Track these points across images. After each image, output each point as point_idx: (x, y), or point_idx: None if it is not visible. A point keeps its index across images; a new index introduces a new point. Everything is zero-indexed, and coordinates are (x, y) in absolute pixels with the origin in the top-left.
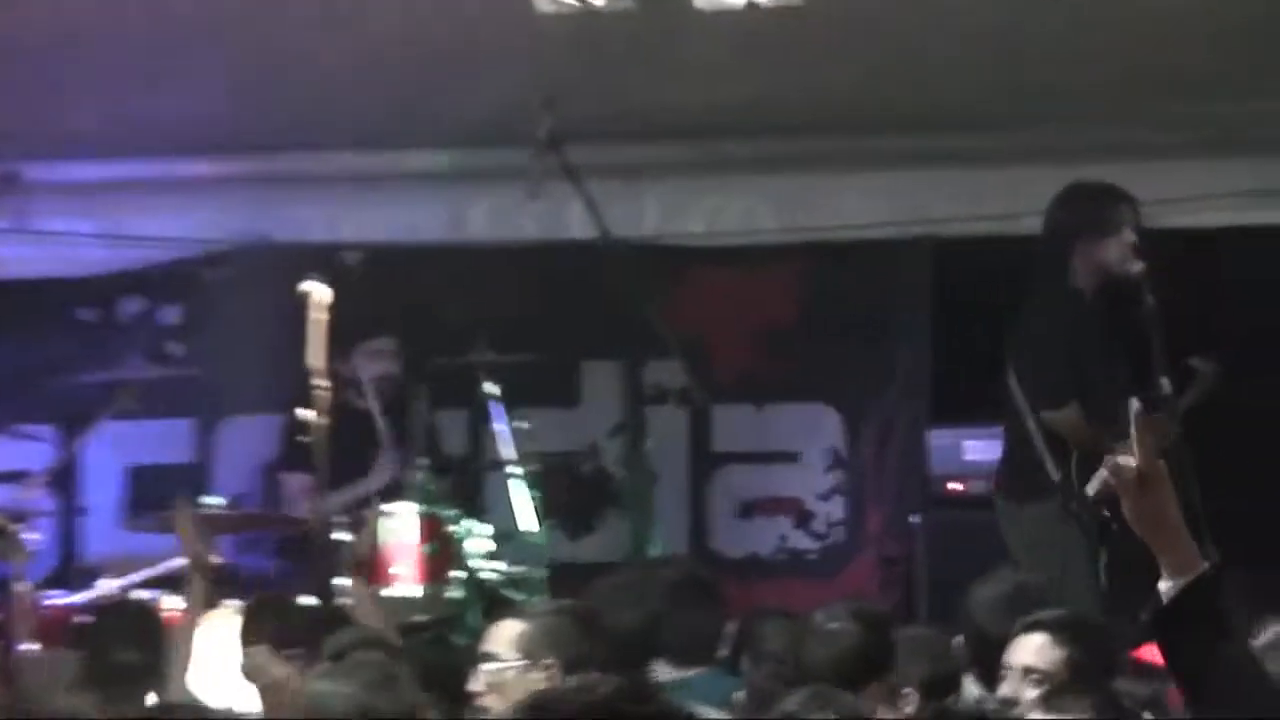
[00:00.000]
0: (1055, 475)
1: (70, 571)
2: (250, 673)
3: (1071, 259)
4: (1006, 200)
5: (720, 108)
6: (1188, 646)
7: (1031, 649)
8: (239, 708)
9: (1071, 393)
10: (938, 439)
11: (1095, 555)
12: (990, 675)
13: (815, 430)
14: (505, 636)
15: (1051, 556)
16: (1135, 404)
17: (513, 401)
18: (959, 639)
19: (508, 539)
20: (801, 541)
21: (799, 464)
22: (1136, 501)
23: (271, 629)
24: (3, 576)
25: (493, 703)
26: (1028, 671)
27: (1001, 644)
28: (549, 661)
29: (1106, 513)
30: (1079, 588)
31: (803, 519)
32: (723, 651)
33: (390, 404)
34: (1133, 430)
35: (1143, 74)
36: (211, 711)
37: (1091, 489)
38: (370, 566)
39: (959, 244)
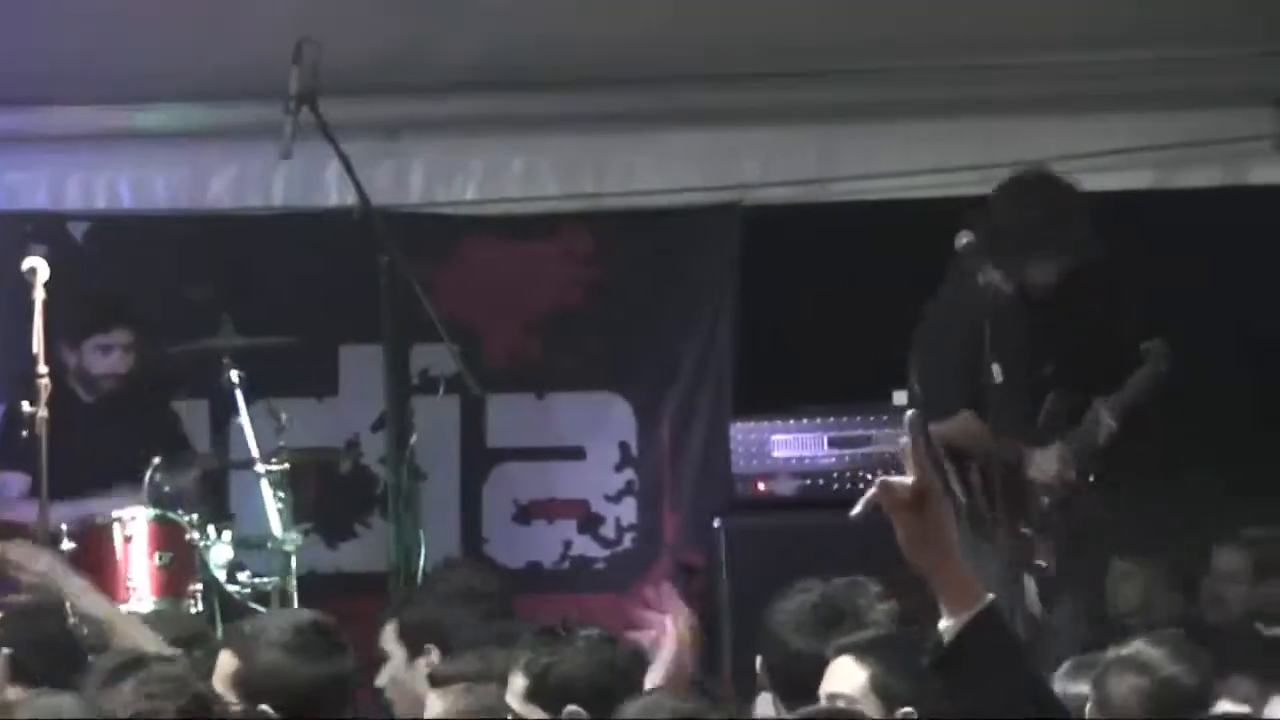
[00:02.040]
0: (960, 491)
1: None
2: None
3: (992, 264)
4: (824, 162)
5: (497, 56)
6: (972, 686)
7: (835, 675)
8: None
9: (966, 400)
10: (742, 433)
11: (1017, 576)
12: (792, 697)
13: (603, 423)
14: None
15: None
16: (911, 413)
17: (261, 391)
18: (761, 658)
19: (256, 547)
20: (589, 549)
21: (584, 461)
22: (910, 525)
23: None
24: None
25: None
26: (832, 699)
27: (805, 662)
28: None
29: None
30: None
31: (589, 523)
32: None
33: (120, 393)
34: (906, 442)
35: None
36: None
37: (855, 512)
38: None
39: (769, 212)
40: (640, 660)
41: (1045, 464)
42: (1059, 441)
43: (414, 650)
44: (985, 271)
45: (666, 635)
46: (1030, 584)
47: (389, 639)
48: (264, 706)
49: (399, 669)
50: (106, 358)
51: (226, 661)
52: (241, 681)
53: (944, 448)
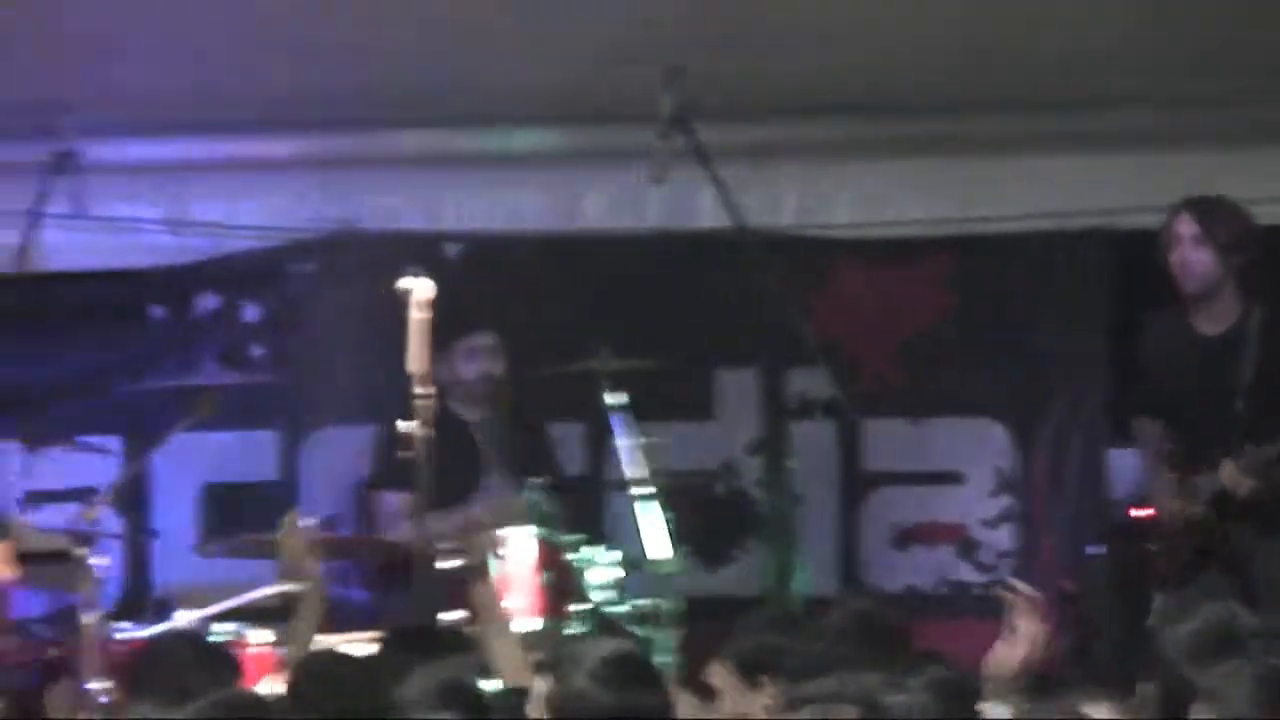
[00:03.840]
0: None
1: (141, 601)
2: None
3: None
4: (1192, 189)
5: (868, 80)
6: None
7: None
8: None
9: None
10: (1120, 459)
11: None
12: None
13: (980, 448)
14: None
15: None
16: None
17: (638, 414)
18: (1147, 686)
19: (634, 569)
20: (966, 574)
21: (962, 486)
22: None
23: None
24: (69, 606)
25: None
26: None
27: (1190, 688)
28: None
29: None
30: None
31: (967, 548)
32: None
33: (496, 413)
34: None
35: None
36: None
37: None
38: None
39: (1141, 236)
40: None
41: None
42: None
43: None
44: None
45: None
46: None
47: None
48: None
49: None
50: (476, 362)
51: (542, 684)
52: (553, 704)
53: None
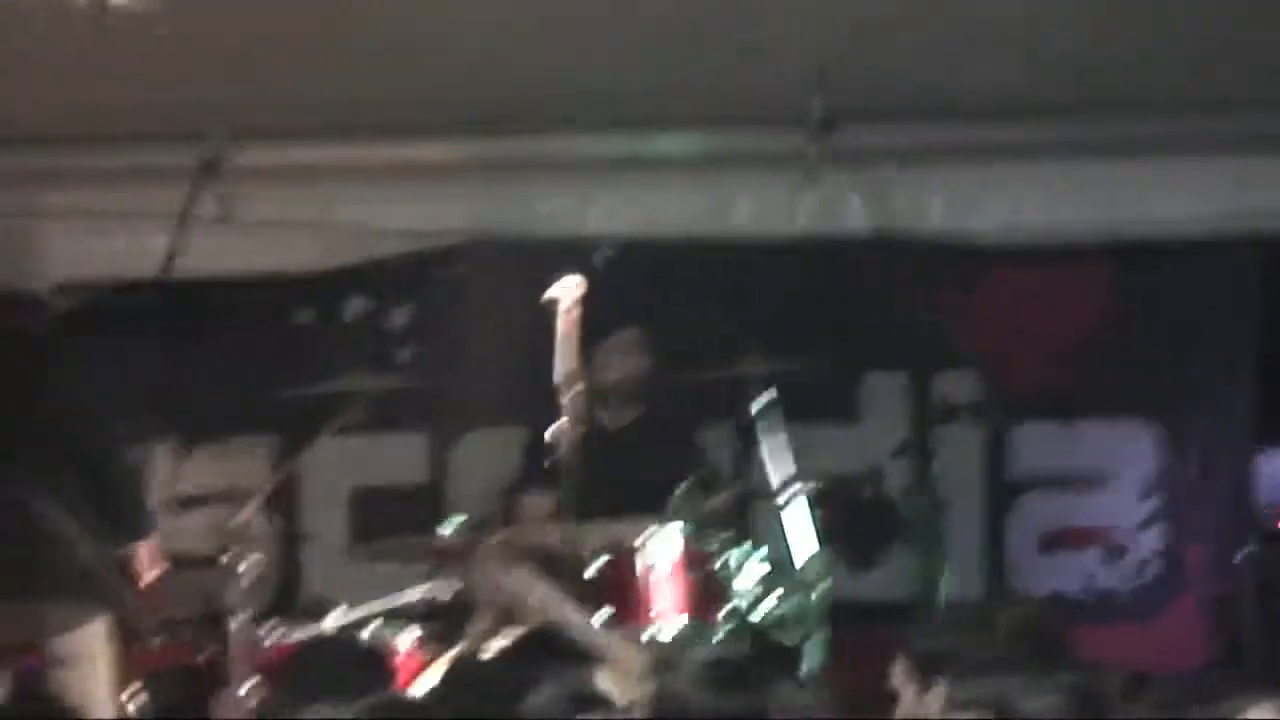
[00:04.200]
0: None
1: (291, 604)
2: None
3: None
4: None
5: (1017, 82)
6: None
7: None
8: None
9: None
10: (1270, 464)
11: None
12: None
13: (1129, 452)
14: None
15: None
16: None
17: (785, 417)
18: None
19: (781, 572)
20: (1111, 579)
21: (1110, 490)
22: None
23: None
24: (220, 610)
25: None
26: None
27: None
28: None
29: None
30: None
31: (1114, 553)
32: None
33: (644, 415)
34: None
35: None
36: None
37: None
38: (628, 600)
39: None
40: None
41: None
42: None
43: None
44: None
45: None
46: None
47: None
48: None
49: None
50: (622, 365)
51: (649, 687)
52: (655, 705)
53: None
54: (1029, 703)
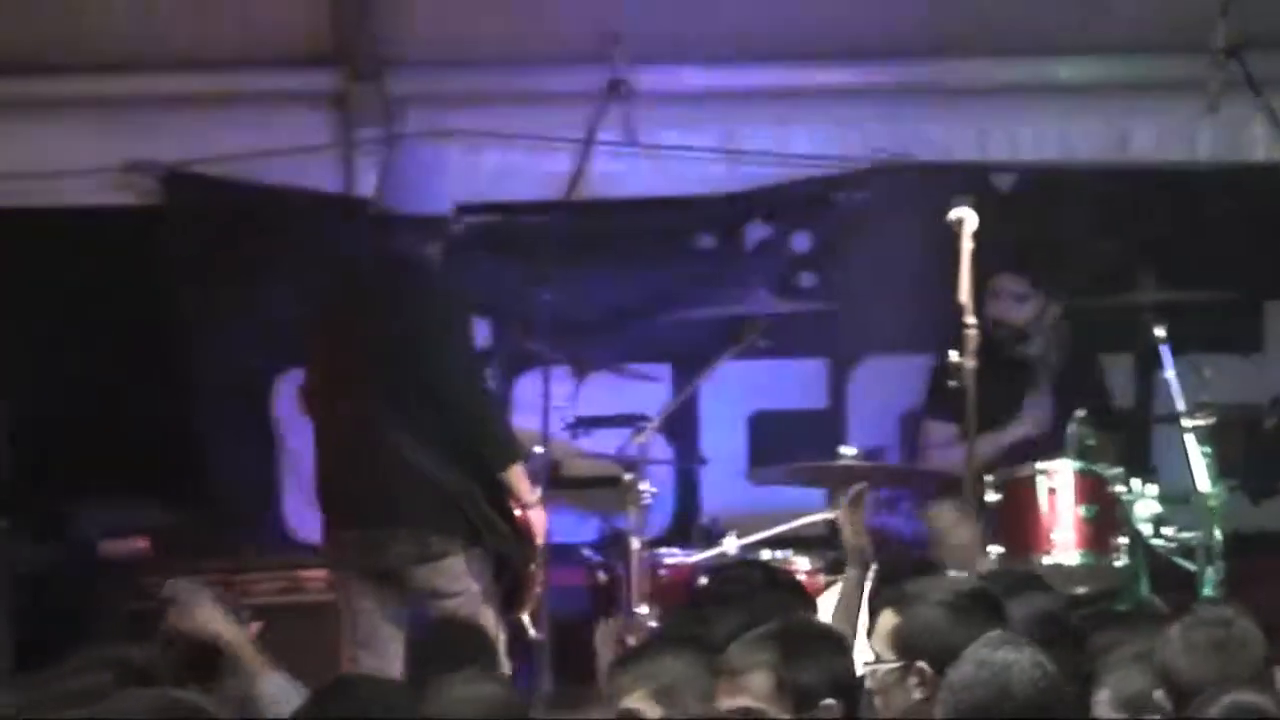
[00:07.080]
0: None
1: (689, 527)
2: None
3: None
4: None
5: None
6: None
7: None
8: None
9: None
10: None
11: None
12: None
13: None
14: (881, 630)
15: None
16: None
17: (1185, 346)
18: None
19: (1180, 502)
20: None
21: None
22: None
23: None
24: (618, 531)
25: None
26: None
27: None
28: (920, 665)
29: None
30: None
31: None
32: None
33: (1048, 342)
34: None
35: None
36: None
37: None
38: (1025, 530)
39: None
40: None
41: None
42: None
43: None
44: None
45: None
46: None
47: None
48: (921, 664)
49: None
50: (999, 302)
51: (887, 619)
52: (899, 638)
53: None
54: None
